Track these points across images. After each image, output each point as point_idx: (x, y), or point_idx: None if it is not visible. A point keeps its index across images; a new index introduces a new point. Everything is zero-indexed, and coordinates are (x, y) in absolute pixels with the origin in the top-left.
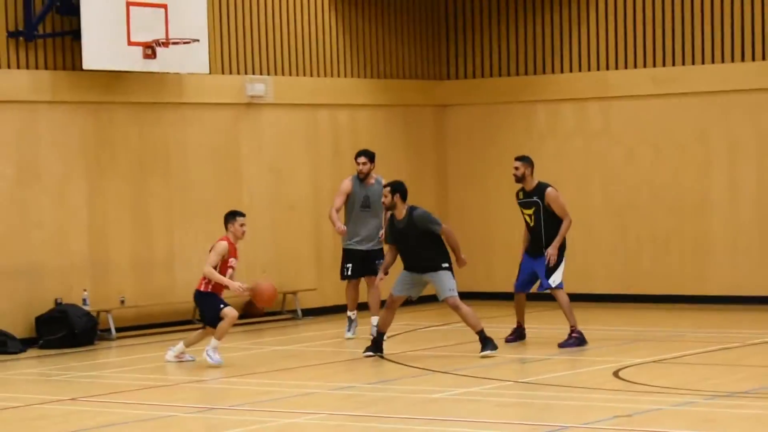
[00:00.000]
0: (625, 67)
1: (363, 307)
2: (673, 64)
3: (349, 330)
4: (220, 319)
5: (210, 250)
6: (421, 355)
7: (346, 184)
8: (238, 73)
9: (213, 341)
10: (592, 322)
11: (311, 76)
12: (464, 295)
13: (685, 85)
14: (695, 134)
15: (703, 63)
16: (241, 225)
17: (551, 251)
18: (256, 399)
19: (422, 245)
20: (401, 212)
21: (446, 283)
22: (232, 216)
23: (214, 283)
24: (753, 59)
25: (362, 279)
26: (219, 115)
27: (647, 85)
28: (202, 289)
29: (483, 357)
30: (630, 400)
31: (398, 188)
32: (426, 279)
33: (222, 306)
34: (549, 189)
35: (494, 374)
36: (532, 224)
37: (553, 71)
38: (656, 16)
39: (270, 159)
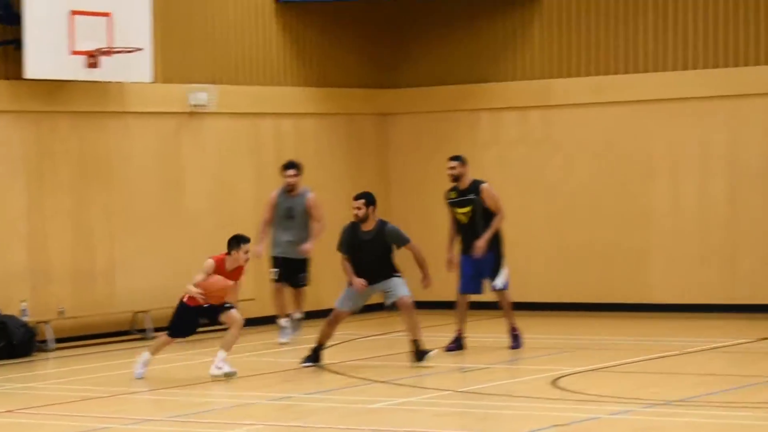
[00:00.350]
0: (567, 76)
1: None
2: (615, 73)
3: (283, 336)
4: (188, 333)
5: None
6: (360, 364)
7: (272, 196)
8: (181, 82)
9: (221, 353)
10: (533, 330)
11: (254, 85)
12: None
13: (626, 94)
14: (637, 143)
15: (645, 71)
16: (245, 252)
17: (481, 243)
18: (193, 410)
19: (383, 258)
20: (371, 224)
21: (401, 285)
22: (236, 242)
23: (191, 297)
24: (694, 68)
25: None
26: (162, 124)
27: (589, 93)
28: (184, 300)
29: (421, 365)
30: (568, 409)
31: (372, 201)
32: (375, 288)
33: (186, 332)
34: (484, 184)
35: (433, 384)
36: (466, 222)
37: (495, 80)
38: (598, 24)
39: (213, 168)
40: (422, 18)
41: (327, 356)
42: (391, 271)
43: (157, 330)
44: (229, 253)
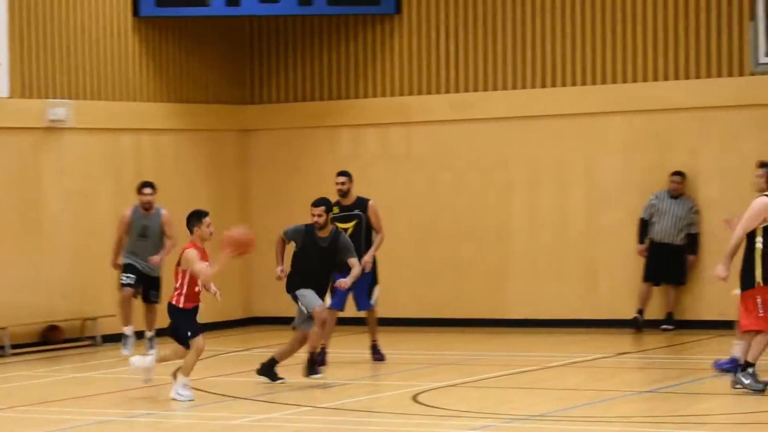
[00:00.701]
0: (427, 93)
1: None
2: (474, 90)
3: (125, 347)
4: (186, 339)
5: (178, 264)
6: (222, 381)
7: (126, 215)
8: (39, 97)
9: (181, 379)
10: (395, 345)
11: (114, 100)
12: (261, 320)
13: (486, 111)
14: (496, 160)
15: (504, 89)
16: (208, 225)
17: (369, 259)
18: (51, 428)
19: (330, 271)
20: (327, 231)
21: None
22: (196, 217)
23: (186, 296)
24: (553, 86)
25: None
26: (19, 139)
27: (448, 110)
28: (174, 302)
29: (310, 378)
30: (429, 425)
31: (331, 208)
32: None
33: (191, 333)
34: (371, 201)
35: (294, 399)
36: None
37: (356, 96)
38: (457, 42)
39: (71, 184)
40: (283, 34)
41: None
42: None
43: (15, 347)
44: (192, 233)
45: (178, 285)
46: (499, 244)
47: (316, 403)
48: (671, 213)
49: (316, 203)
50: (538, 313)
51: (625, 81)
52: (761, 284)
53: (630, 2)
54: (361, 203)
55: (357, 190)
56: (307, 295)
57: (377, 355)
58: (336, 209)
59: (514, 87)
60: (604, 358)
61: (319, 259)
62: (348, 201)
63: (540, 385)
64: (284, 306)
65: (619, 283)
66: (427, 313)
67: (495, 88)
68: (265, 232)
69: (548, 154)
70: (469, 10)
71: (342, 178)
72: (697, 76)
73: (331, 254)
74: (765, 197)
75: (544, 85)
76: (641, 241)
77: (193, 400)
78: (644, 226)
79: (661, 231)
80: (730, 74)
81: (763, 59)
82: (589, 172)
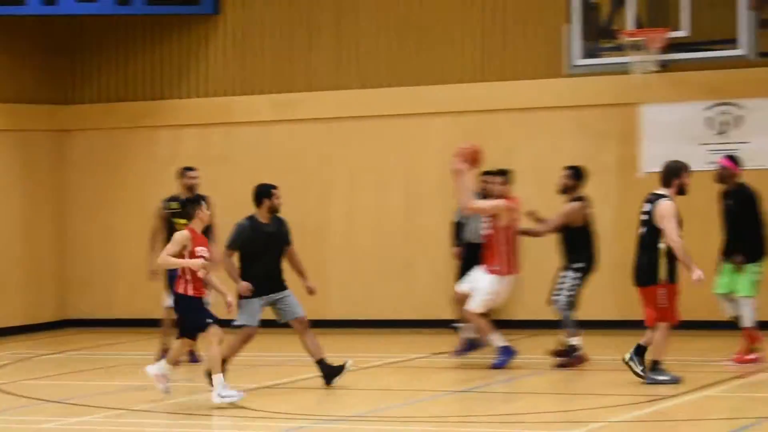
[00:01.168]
0: (249, 93)
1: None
2: (295, 91)
3: None
4: (199, 330)
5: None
6: (32, 384)
7: None
8: None
9: (216, 379)
10: None
11: None
12: (75, 323)
13: (306, 112)
14: (316, 160)
15: (324, 89)
16: (207, 210)
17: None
18: None
19: (280, 259)
20: (266, 216)
21: (297, 304)
22: (196, 203)
23: (194, 284)
24: (372, 87)
25: None
26: None
27: (269, 111)
28: (181, 291)
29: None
30: (243, 426)
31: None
32: (270, 300)
33: (207, 321)
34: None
35: (106, 402)
36: None
37: (176, 97)
38: (278, 42)
39: None
40: (100, 34)
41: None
42: (283, 280)
43: None
44: (190, 220)
45: (180, 272)
46: (318, 244)
47: (130, 406)
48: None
49: (271, 187)
50: (357, 313)
51: (444, 82)
52: (663, 281)
53: (450, 4)
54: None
55: (175, 190)
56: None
57: (193, 356)
58: (175, 204)
59: (335, 88)
60: (419, 358)
61: (269, 248)
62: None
63: (356, 386)
64: (100, 307)
65: (437, 284)
66: None
67: (316, 89)
68: (83, 234)
69: (368, 154)
70: (289, 11)
71: (195, 173)
72: (515, 78)
73: (278, 240)
74: (670, 201)
75: (364, 86)
76: (456, 243)
77: (243, 397)
78: (458, 228)
79: (472, 232)
80: (547, 76)
81: (578, 61)
82: (409, 172)
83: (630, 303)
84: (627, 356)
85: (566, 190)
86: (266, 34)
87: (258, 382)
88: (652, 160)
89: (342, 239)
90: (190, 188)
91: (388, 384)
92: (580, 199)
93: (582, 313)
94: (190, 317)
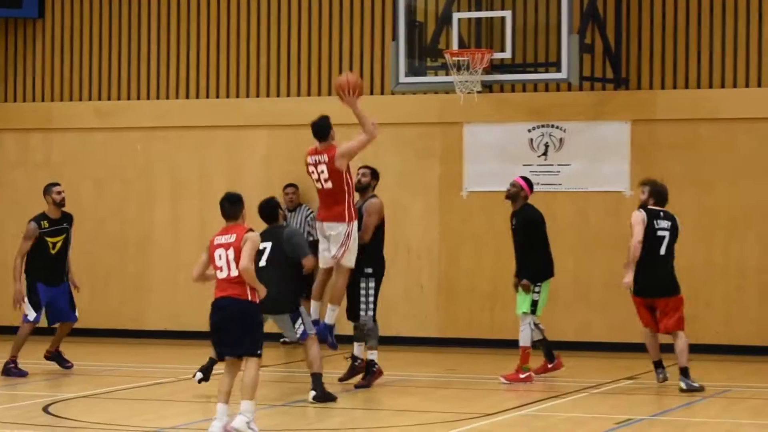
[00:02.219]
0: (69, 100)
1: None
2: (118, 99)
3: None
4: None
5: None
6: None
7: None
8: None
9: (247, 405)
10: (32, 355)
11: None
12: None
13: (127, 120)
14: (138, 169)
15: (148, 98)
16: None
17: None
18: None
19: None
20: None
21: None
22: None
23: (252, 290)
24: (197, 97)
25: None
26: None
27: (89, 117)
28: (249, 297)
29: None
30: None
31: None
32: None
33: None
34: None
35: None
36: (54, 252)
37: None
38: (100, 49)
39: None
40: None
41: None
42: None
43: None
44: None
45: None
46: (140, 254)
47: None
48: (292, 224)
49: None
50: (178, 324)
51: (269, 95)
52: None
53: (280, 19)
54: (70, 217)
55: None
56: None
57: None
58: (45, 223)
59: (158, 97)
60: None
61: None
62: (57, 215)
63: (174, 398)
64: None
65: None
66: (86, 324)
67: (139, 97)
68: None
69: (191, 164)
70: (113, 18)
71: (60, 187)
72: None
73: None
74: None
75: (188, 96)
76: None
77: None
78: None
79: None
80: (373, 92)
81: (403, 79)
82: (232, 184)
83: (453, 321)
84: (683, 386)
85: (364, 188)
86: (90, 40)
87: (75, 392)
88: (474, 180)
89: (164, 250)
90: (59, 204)
91: (208, 396)
92: (375, 197)
93: (407, 330)
94: (256, 331)
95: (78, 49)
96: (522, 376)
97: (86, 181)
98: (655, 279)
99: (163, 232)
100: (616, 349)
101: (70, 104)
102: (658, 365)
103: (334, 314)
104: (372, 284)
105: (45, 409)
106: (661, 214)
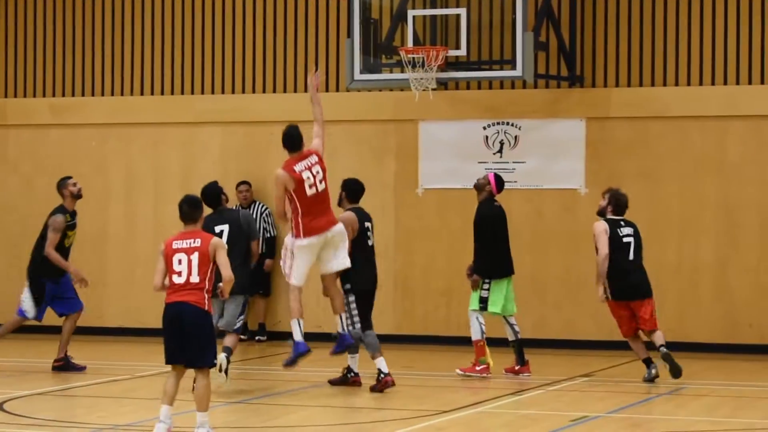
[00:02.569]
0: (24, 96)
1: None
2: (72, 95)
3: None
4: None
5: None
6: None
7: None
8: None
9: (202, 418)
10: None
11: None
12: None
13: (82, 116)
14: (93, 166)
15: (103, 95)
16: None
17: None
18: None
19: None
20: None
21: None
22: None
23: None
24: (152, 93)
25: None
26: None
27: (45, 114)
28: (207, 308)
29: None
30: None
31: None
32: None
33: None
34: None
35: None
36: (67, 245)
37: None
38: (54, 45)
39: None
40: None
41: None
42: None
43: None
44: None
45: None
46: (95, 251)
47: None
48: None
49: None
50: (134, 321)
51: (225, 92)
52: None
53: (235, 17)
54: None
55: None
56: None
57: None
58: (68, 217)
59: (113, 93)
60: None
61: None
62: (74, 207)
63: (130, 395)
64: None
65: None
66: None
67: (94, 94)
68: None
69: (146, 161)
70: (67, 15)
71: (74, 180)
72: (295, 91)
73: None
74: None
75: (142, 93)
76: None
77: None
78: None
79: None
80: (328, 90)
81: (358, 76)
82: (186, 181)
83: (409, 318)
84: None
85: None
86: (43, 37)
87: (30, 389)
88: (429, 177)
89: (120, 247)
90: (77, 196)
91: (161, 394)
92: (349, 210)
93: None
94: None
95: (32, 46)
96: (478, 368)
97: (41, 177)
98: (628, 282)
99: (119, 228)
100: (573, 347)
101: (25, 101)
102: (648, 362)
103: (342, 323)
104: (351, 298)
105: (0, 406)
106: (622, 222)
